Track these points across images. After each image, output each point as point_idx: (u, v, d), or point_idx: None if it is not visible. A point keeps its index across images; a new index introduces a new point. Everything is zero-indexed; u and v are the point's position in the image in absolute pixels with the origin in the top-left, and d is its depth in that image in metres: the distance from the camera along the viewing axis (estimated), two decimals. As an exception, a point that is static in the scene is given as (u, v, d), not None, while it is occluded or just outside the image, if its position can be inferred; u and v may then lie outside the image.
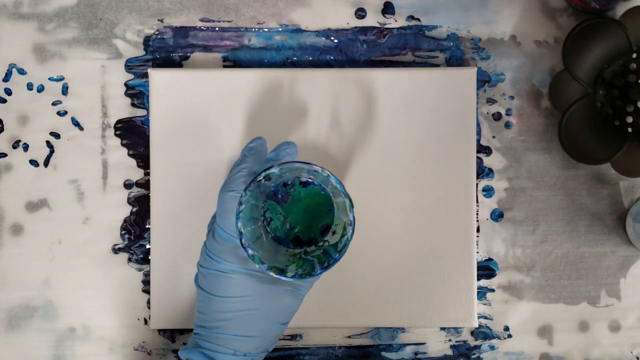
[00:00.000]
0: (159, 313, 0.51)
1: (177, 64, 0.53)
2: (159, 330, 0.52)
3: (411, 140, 0.51)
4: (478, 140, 0.53)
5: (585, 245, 0.53)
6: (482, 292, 0.53)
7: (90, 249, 0.52)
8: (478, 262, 0.53)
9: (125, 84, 0.53)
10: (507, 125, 0.53)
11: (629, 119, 0.52)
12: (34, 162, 0.52)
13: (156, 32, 0.53)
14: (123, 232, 0.52)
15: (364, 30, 0.53)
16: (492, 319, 0.53)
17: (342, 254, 0.44)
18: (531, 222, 0.53)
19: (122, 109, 0.53)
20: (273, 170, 0.44)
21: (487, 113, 0.53)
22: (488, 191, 0.53)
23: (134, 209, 0.52)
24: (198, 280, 0.45)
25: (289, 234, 0.48)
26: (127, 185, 0.52)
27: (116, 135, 0.52)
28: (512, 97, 0.53)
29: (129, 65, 0.52)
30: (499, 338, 0.53)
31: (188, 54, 0.53)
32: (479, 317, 0.53)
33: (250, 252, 0.43)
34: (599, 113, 0.51)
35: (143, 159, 0.53)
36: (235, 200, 0.43)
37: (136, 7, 0.53)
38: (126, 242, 0.52)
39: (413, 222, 0.51)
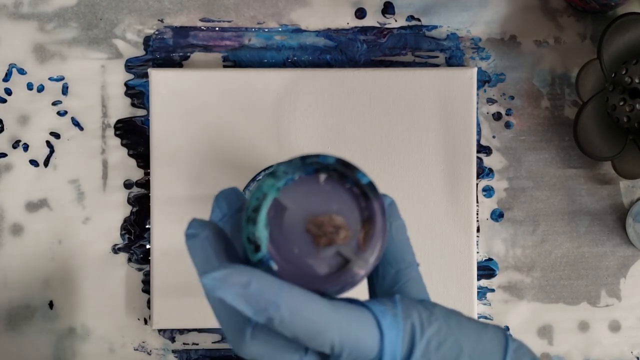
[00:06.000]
0: (159, 313, 0.51)
1: (177, 64, 0.53)
2: (159, 330, 0.52)
3: (411, 140, 0.51)
4: (478, 140, 0.53)
5: (585, 245, 0.53)
6: (482, 292, 0.53)
7: (90, 249, 0.52)
8: (478, 262, 0.53)
9: (125, 84, 0.53)
10: (507, 125, 0.53)
11: (625, 119, 0.52)
12: (34, 162, 0.52)
13: (156, 32, 0.53)
14: (123, 232, 0.52)
15: (364, 30, 0.53)
16: (492, 319, 0.53)
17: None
18: (531, 222, 0.53)
19: (122, 109, 0.53)
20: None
21: (487, 113, 0.53)
22: (488, 191, 0.53)
23: (134, 209, 0.52)
24: None
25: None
26: (127, 185, 0.52)
27: (116, 135, 0.53)
28: (512, 97, 0.53)
29: (129, 65, 0.53)
30: (499, 338, 0.53)
31: (188, 54, 0.53)
32: (479, 317, 0.53)
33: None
34: (606, 110, 0.51)
35: (143, 159, 0.53)
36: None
37: (136, 7, 0.53)
38: (126, 242, 0.52)
39: (413, 221, 0.51)
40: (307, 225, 0.31)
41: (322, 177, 0.31)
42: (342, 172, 0.31)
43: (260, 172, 0.44)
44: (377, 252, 0.31)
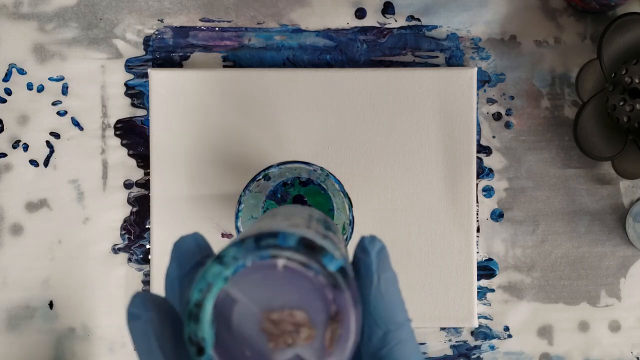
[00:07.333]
0: (159, 313, 0.51)
1: (177, 64, 0.53)
2: (159, 330, 0.52)
3: (411, 140, 0.51)
4: (478, 140, 0.53)
5: (585, 245, 0.53)
6: (482, 292, 0.53)
7: (90, 249, 0.52)
8: (478, 262, 0.53)
9: (125, 84, 0.53)
10: (507, 125, 0.53)
11: (625, 119, 0.52)
12: (34, 162, 0.52)
13: (156, 32, 0.53)
14: (123, 232, 0.52)
15: (364, 30, 0.53)
16: (492, 319, 0.53)
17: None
18: (531, 222, 0.53)
19: (122, 109, 0.53)
20: (272, 169, 0.44)
21: (487, 113, 0.53)
22: (488, 191, 0.53)
23: (134, 209, 0.52)
24: None
25: (289, 234, 0.48)
26: (127, 185, 0.52)
27: (116, 135, 0.53)
28: (512, 97, 0.53)
29: (129, 65, 0.53)
30: (499, 338, 0.53)
31: (188, 54, 0.53)
32: (479, 317, 0.53)
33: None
34: (606, 110, 0.51)
35: (143, 159, 0.53)
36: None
37: (136, 7, 0.53)
38: (126, 242, 0.52)
39: (413, 221, 0.51)
40: (261, 323, 0.25)
41: (281, 262, 0.25)
42: (304, 257, 0.25)
43: (260, 172, 0.44)
44: (347, 355, 0.25)
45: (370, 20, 0.53)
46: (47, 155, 0.52)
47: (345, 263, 0.26)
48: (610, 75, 0.51)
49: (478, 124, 0.53)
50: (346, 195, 0.44)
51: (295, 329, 0.25)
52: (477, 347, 0.53)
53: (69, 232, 0.52)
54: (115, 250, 0.52)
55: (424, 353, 0.53)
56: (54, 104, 0.52)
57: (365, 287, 0.28)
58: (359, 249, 0.29)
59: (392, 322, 0.29)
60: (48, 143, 0.52)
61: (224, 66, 0.53)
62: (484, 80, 0.53)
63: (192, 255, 0.28)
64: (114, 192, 0.52)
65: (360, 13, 0.53)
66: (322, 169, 0.44)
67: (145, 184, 0.52)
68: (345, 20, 0.53)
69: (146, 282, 0.52)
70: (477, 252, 0.53)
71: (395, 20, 0.53)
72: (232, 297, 0.25)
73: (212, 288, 0.25)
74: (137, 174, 0.53)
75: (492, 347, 0.53)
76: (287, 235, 0.25)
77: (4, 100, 0.52)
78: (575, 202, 0.53)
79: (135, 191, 0.53)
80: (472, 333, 0.53)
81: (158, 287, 0.51)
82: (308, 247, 0.25)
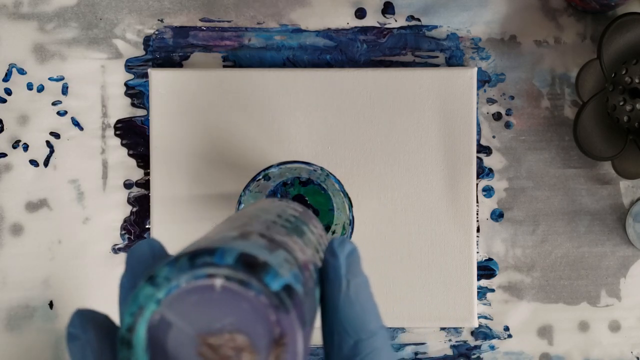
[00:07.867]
0: (159, 313, 0.51)
1: (177, 64, 0.53)
2: (159, 330, 0.52)
3: (411, 140, 0.51)
4: (478, 140, 0.53)
5: (585, 245, 0.53)
6: (482, 292, 0.53)
7: (90, 249, 0.52)
8: (478, 262, 0.53)
9: (125, 84, 0.53)
10: (507, 125, 0.53)
11: (625, 119, 0.52)
12: (34, 162, 0.52)
13: (156, 32, 0.53)
14: (123, 232, 0.52)
15: (364, 30, 0.53)
16: (492, 319, 0.53)
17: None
18: (531, 222, 0.53)
19: (122, 109, 0.53)
20: (272, 169, 0.44)
21: (487, 113, 0.53)
22: (488, 191, 0.53)
23: (134, 209, 0.52)
24: None
25: (289, 234, 0.48)
26: (127, 185, 0.52)
27: (116, 135, 0.53)
28: (512, 97, 0.53)
29: (129, 65, 0.53)
30: (499, 338, 0.53)
31: (188, 54, 0.53)
32: (479, 317, 0.53)
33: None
34: (606, 110, 0.51)
35: (143, 159, 0.53)
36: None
37: (136, 7, 0.53)
38: (126, 242, 0.52)
39: (413, 222, 0.51)
40: (199, 348, 0.23)
41: (219, 282, 0.23)
42: (244, 275, 0.23)
43: (260, 172, 0.44)
44: None
45: (370, 20, 0.53)
46: (47, 155, 0.52)
47: (292, 279, 0.23)
48: (610, 75, 0.51)
49: (478, 124, 0.53)
50: (346, 195, 0.44)
51: (236, 354, 0.23)
52: (477, 347, 0.53)
53: (69, 232, 0.52)
54: (115, 250, 0.52)
55: (424, 353, 0.53)
56: (54, 104, 0.52)
57: (333, 293, 0.27)
58: (328, 252, 0.27)
59: (363, 330, 0.28)
60: (48, 143, 0.52)
61: (224, 66, 0.53)
62: (484, 80, 0.53)
63: (144, 263, 0.26)
64: (114, 192, 0.52)
65: (360, 13, 0.53)
66: (322, 169, 0.44)
67: (145, 184, 0.52)
68: (345, 20, 0.53)
69: (146, 282, 0.52)
70: (477, 252, 0.53)
71: (395, 20, 0.53)
72: (167, 320, 0.23)
73: (144, 310, 0.23)
74: (137, 174, 0.53)
75: (492, 347, 0.53)
76: (225, 251, 0.23)
77: (4, 100, 0.52)
78: (575, 202, 0.53)
79: (135, 191, 0.53)
80: (472, 333, 0.53)
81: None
82: (248, 264, 0.23)
